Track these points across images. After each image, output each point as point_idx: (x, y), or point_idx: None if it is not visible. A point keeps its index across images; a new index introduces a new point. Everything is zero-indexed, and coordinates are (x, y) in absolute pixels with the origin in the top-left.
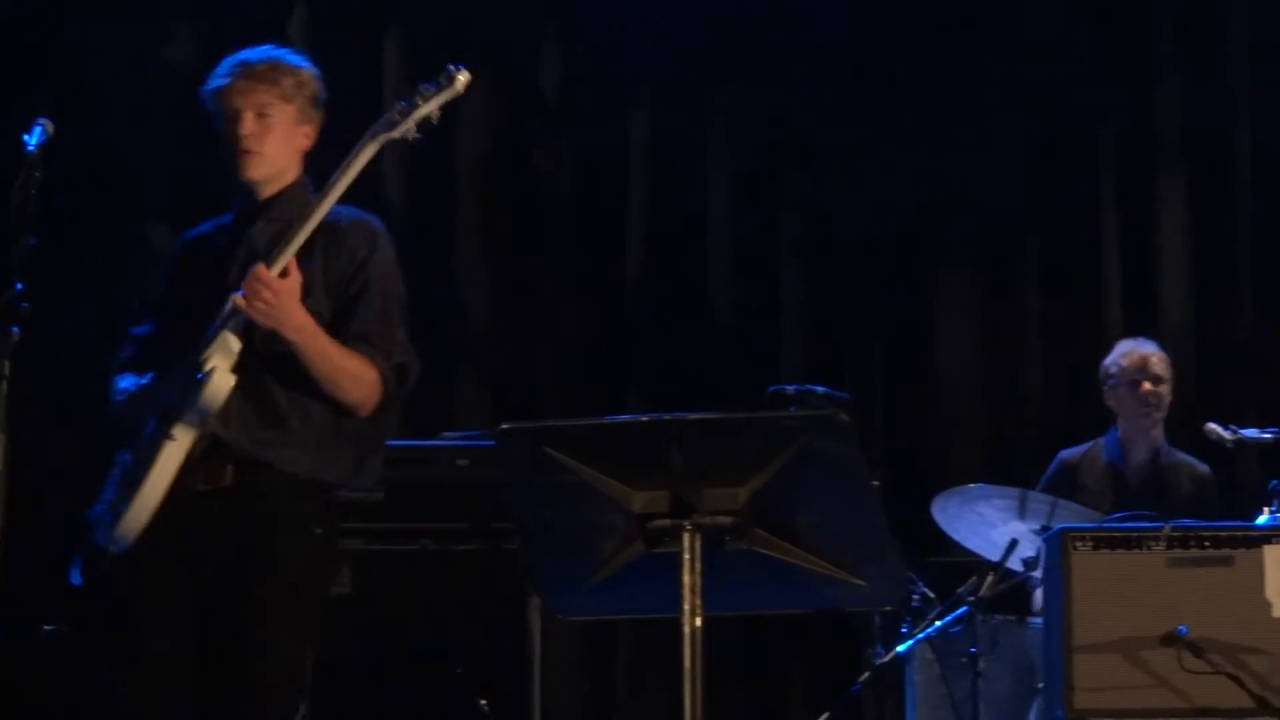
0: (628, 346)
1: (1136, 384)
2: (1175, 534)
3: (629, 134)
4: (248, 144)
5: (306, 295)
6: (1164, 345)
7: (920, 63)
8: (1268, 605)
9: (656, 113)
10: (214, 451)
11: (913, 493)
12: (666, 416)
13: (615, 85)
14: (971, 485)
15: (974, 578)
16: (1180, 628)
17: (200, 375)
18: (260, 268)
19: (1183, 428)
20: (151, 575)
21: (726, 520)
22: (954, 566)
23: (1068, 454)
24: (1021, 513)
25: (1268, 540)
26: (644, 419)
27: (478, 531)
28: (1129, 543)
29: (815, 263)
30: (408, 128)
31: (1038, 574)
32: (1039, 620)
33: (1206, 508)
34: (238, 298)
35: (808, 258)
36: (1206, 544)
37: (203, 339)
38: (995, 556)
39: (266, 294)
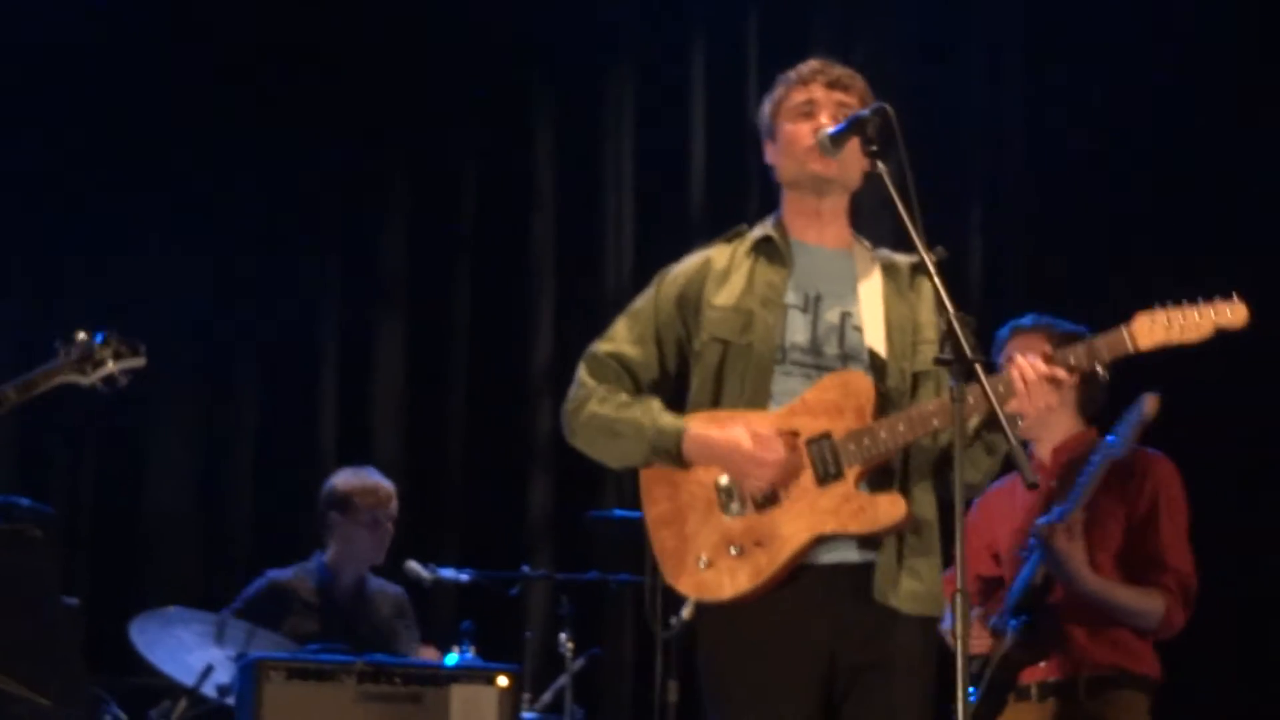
0: None
1: (378, 524)
2: (367, 669)
3: None
4: None
5: None
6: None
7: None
8: None
9: None
10: None
11: (115, 612)
12: None
13: None
14: (170, 608)
15: (167, 701)
16: None
17: None
18: None
19: (386, 563)
20: None
21: None
22: (151, 689)
23: (276, 574)
24: (220, 638)
25: (455, 680)
26: None
27: None
28: (321, 674)
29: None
30: (93, 381)
31: (233, 700)
32: None
33: (406, 628)
34: None
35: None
36: (397, 680)
37: None
38: (192, 681)
39: None
